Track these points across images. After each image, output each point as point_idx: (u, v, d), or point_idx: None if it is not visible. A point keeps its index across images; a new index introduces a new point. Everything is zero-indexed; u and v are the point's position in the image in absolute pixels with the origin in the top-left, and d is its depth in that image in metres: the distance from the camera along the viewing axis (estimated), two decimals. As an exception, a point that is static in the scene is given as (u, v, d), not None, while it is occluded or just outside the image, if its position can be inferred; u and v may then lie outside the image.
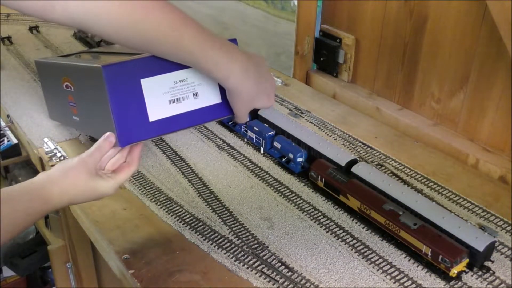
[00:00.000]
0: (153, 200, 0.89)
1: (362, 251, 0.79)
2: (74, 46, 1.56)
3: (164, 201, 0.88)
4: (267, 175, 0.96)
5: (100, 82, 0.75)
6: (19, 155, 1.18)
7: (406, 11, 1.11)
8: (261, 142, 1.02)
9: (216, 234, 0.81)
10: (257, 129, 1.02)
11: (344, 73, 1.31)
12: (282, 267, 0.75)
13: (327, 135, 1.10)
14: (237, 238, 0.81)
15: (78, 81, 0.89)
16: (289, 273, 0.74)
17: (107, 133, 0.73)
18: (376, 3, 1.17)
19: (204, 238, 0.81)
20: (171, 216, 0.85)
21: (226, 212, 0.86)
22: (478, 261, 0.74)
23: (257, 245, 0.80)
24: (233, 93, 0.76)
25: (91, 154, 0.71)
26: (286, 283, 0.73)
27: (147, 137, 0.77)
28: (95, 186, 0.69)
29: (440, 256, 0.72)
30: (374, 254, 0.78)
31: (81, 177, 0.68)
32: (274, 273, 0.74)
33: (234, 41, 0.80)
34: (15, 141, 1.16)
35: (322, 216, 0.86)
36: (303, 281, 0.73)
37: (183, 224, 0.83)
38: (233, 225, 0.83)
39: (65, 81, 0.93)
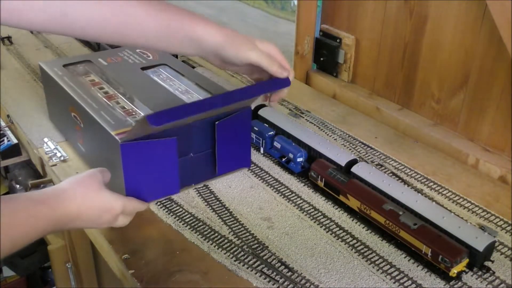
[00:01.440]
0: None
1: (362, 251, 0.79)
2: (74, 46, 1.56)
3: (164, 201, 0.88)
4: (267, 175, 0.96)
5: (115, 150, 0.79)
6: (19, 155, 1.18)
7: (406, 11, 1.11)
8: (261, 142, 1.02)
9: (216, 234, 0.81)
10: (257, 129, 1.02)
11: (344, 73, 1.31)
12: (282, 267, 0.75)
13: (327, 135, 1.10)
14: (237, 238, 0.81)
15: (89, 126, 0.90)
16: (289, 273, 0.74)
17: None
18: (376, 3, 1.17)
19: (204, 238, 0.81)
20: (171, 216, 0.85)
21: (226, 212, 0.86)
22: (478, 261, 0.74)
23: (257, 245, 0.80)
24: (229, 38, 0.74)
25: (102, 170, 0.72)
26: (286, 283, 0.73)
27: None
28: (104, 197, 0.69)
29: (440, 256, 0.72)
30: (374, 254, 0.78)
31: (91, 187, 0.68)
32: (274, 273, 0.74)
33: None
34: (15, 141, 1.16)
35: (322, 216, 0.86)
36: (303, 281, 0.73)
37: (183, 224, 0.83)
38: (233, 225, 0.83)
39: (73, 112, 0.93)
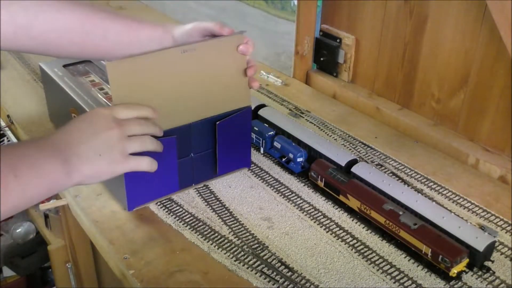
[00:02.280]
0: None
1: (362, 251, 0.79)
2: (74, 46, 1.56)
3: (164, 201, 0.88)
4: (267, 175, 0.96)
5: None
6: (19, 155, 1.18)
7: (406, 11, 1.11)
8: (261, 142, 1.02)
9: (216, 234, 0.81)
10: (257, 129, 1.02)
11: (344, 73, 1.31)
12: (282, 267, 0.75)
13: (327, 135, 1.10)
14: (237, 238, 0.81)
15: None
16: (289, 273, 0.74)
17: None
18: (376, 3, 1.17)
19: (204, 238, 0.81)
20: (171, 216, 0.85)
21: (226, 212, 0.86)
22: (478, 261, 0.74)
23: (257, 245, 0.80)
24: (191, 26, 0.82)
25: None
26: (286, 283, 0.73)
27: None
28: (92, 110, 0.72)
29: (440, 256, 0.72)
30: (374, 254, 0.78)
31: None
32: (274, 273, 0.74)
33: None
34: (15, 141, 1.16)
35: (322, 216, 0.86)
36: (303, 281, 0.73)
37: (183, 224, 0.83)
38: (233, 225, 0.83)
39: (74, 113, 0.93)
